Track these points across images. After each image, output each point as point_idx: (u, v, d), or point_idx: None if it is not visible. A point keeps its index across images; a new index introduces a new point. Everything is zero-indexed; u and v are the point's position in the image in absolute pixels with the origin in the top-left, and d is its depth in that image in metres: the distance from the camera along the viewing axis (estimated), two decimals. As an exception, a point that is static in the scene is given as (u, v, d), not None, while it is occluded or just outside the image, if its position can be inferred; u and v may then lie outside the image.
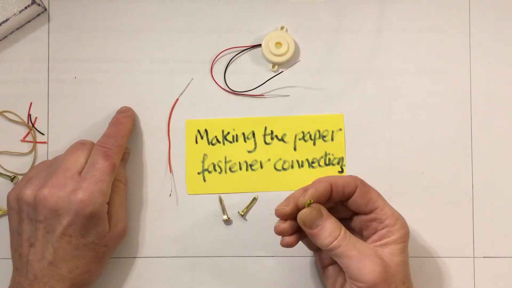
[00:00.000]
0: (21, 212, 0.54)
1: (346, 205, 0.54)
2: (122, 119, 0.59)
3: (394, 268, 0.51)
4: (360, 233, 0.54)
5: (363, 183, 0.53)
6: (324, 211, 0.52)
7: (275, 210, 0.53)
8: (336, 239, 0.51)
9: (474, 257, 0.60)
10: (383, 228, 0.52)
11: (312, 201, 0.51)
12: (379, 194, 0.53)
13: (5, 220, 0.60)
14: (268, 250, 0.60)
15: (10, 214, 0.55)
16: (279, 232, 0.53)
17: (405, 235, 0.52)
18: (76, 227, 0.53)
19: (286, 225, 0.53)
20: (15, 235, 0.55)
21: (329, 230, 0.51)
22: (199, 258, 0.60)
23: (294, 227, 0.53)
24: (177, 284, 0.60)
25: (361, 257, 0.50)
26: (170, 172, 0.60)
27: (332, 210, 0.53)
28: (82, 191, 0.53)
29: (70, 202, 0.53)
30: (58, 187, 0.53)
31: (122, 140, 0.57)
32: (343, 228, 0.52)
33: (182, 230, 0.60)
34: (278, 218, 0.53)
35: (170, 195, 0.60)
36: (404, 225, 0.53)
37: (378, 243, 0.52)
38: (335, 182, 0.52)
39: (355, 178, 0.53)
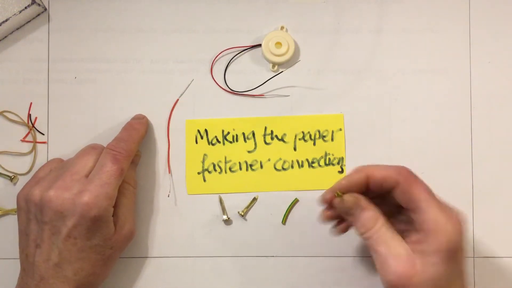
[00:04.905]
0: (29, 212, 0.54)
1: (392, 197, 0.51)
2: (135, 125, 0.59)
3: (418, 280, 0.47)
4: (407, 228, 0.50)
5: (407, 178, 0.49)
6: (363, 201, 0.50)
7: (320, 196, 0.53)
8: (368, 231, 0.49)
9: (474, 257, 0.60)
10: (420, 232, 0.48)
11: (339, 193, 0.50)
12: (426, 193, 0.48)
13: (5, 220, 0.60)
14: (268, 250, 0.60)
15: (19, 214, 0.55)
16: (322, 218, 0.53)
17: (443, 248, 0.47)
18: (81, 230, 0.53)
19: (329, 212, 0.53)
20: (23, 235, 0.55)
21: (363, 221, 0.49)
22: (199, 258, 0.60)
23: (338, 214, 0.52)
24: (177, 284, 0.60)
25: (387, 256, 0.48)
26: (169, 172, 0.60)
27: (384, 199, 0.51)
28: (87, 194, 0.53)
29: (75, 204, 0.52)
30: (64, 189, 0.53)
31: (133, 145, 0.57)
32: (380, 221, 0.49)
33: (182, 230, 0.60)
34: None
35: (168, 196, 0.60)
36: (447, 235, 0.47)
37: (414, 246, 0.48)
38: (373, 174, 0.50)
39: (399, 172, 0.49)
